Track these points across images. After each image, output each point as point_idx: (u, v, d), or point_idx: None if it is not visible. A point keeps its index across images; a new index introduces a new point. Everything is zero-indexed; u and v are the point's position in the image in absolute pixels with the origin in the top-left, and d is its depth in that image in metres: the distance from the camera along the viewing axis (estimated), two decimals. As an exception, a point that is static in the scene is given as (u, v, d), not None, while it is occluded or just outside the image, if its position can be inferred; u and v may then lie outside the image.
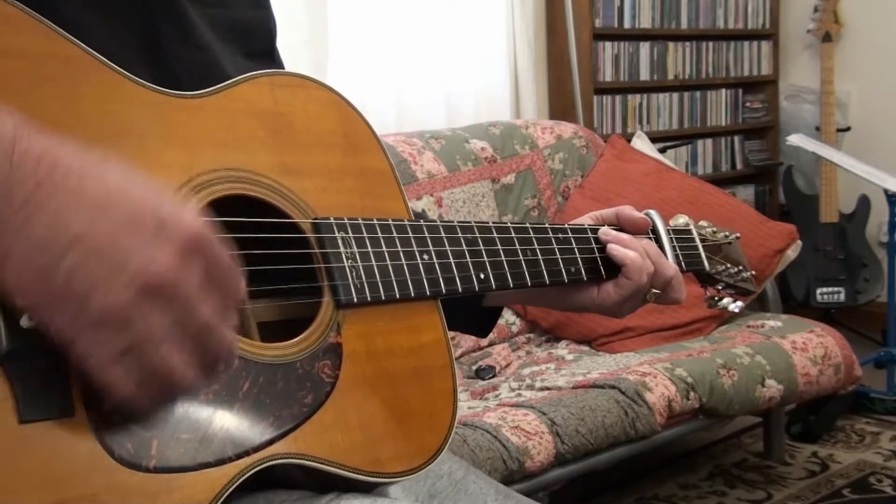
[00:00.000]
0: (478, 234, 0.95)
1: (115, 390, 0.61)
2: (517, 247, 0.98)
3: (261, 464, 0.72)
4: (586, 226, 1.06)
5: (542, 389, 2.22)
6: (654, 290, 1.04)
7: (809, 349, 2.49)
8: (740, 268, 1.22)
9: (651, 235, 1.10)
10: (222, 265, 0.64)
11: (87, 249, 0.58)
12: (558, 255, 1.01)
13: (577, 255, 1.03)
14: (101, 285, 0.58)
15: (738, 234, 1.25)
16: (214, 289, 0.63)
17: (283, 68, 1.04)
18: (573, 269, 1.02)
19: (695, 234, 1.18)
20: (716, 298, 1.21)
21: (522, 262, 0.98)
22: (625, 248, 1.02)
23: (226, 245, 0.64)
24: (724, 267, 1.20)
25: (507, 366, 2.55)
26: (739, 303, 1.21)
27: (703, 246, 1.18)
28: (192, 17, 0.87)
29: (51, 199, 0.58)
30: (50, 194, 0.58)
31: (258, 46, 0.95)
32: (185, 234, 0.61)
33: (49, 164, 0.58)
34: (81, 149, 0.61)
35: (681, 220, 1.19)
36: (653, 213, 1.11)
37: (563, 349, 2.63)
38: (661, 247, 1.09)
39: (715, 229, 1.22)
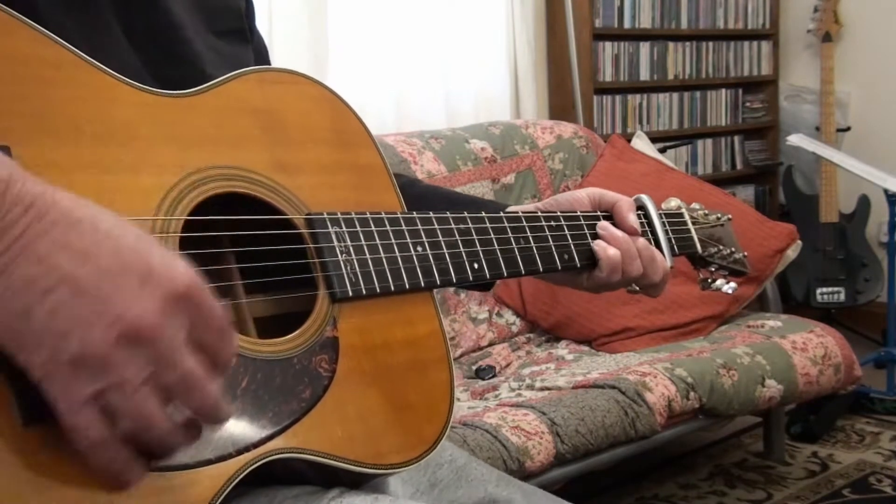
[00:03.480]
0: (471, 225, 0.96)
1: (80, 435, 0.59)
2: (510, 235, 0.99)
3: (261, 459, 0.72)
4: (579, 213, 1.07)
5: (542, 389, 2.21)
6: (635, 287, 1.07)
7: (809, 349, 2.49)
8: (733, 249, 1.23)
9: (644, 221, 1.10)
10: (212, 321, 0.62)
11: (71, 290, 0.57)
12: (551, 243, 1.02)
13: (570, 241, 1.04)
14: (81, 326, 0.57)
15: (730, 216, 1.26)
16: (201, 344, 0.62)
17: (263, 45, 1.05)
18: (566, 256, 1.03)
19: (686, 217, 1.19)
20: (709, 280, 1.22)
21: (516, 251, 0.99)
22: (606, 245, 1.04)
23: (218, 303, 0.63)
24: (716, 249, 1.21)
25: (507, 366, 2.55)
26: (733, 284, 1.21)
27: (696, 228, 1.19)
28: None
29: (38, 242, 0.57)
30: (37, 238, 0.57)
31: (226, 25, 0.96)
32: (172, 286, 0.60)
33: (39, 211, 0.58)
34: (76, 198, 0.60)
35: (672, 203, 1.20)
36: (644, 197, 1.12)
37: (563, 349, 2.62)
38: (654, 230, 1.11)
39: (707, 212, 1.23)
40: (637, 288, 1.08)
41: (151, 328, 0.58)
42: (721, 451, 2.98)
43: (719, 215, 1.24)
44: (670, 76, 4.04)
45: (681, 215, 1.18)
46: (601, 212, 1.09)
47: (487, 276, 0.95)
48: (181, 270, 0.61)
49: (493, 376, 2.45)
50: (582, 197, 1.09)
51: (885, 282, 3.44)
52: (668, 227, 1.13)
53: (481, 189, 2.76)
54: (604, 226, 1.06)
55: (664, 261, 1.08)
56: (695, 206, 1.23)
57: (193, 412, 0.62)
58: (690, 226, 1.18)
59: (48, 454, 0.62)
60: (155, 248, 0.61)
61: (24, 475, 0.61)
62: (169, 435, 0.61)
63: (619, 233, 1.05)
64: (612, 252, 1.03)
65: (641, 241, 1.07)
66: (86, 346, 0.57)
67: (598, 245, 1.04)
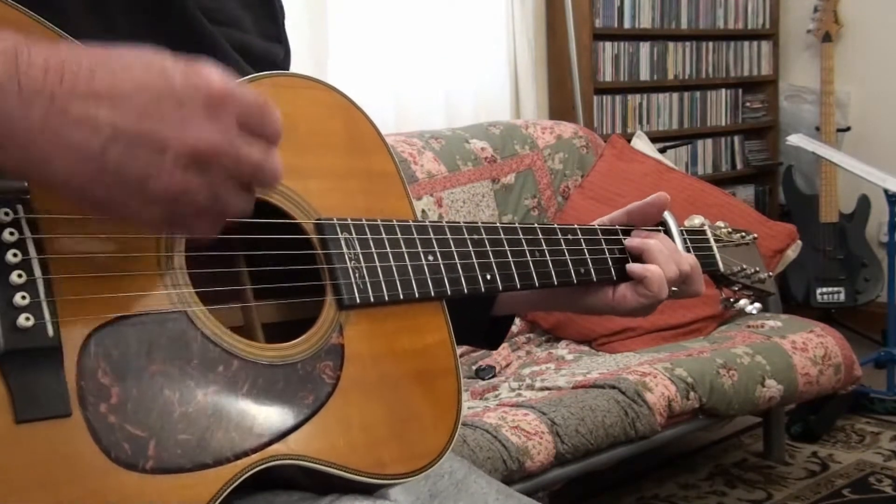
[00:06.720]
0: (484, 235, 0.94)
1: (202, 236, 0.67)
2: (525, 247, 0.97)
3: (259, 465, 0.71)
4: (596, 226, 1.05)
5: (542, 389, 2.21)
6: (673, 288, 1.04)
7: (809, 349, 2.49)
8: (757, 269, 1.20)
9: (662, 231, 1.09)
10: (252, 106, 0.65)
11: (124, 142, 0.60)
12: (567, 256, 1.00)
13: (587, 255, 1.02)
14: (152, 170, 0.61)
15: (756, 235, 1.24)
16: (250, 129, 0.65)
17: None
18: (583, 271, 1.01)
19: (709, 235, 1.16)
20: (731, 300, 1.19)
21: (530, 263, 0.97)
22: (644, 263, 1.02)
23: (246, 85, 0.66)
24: (739, 268, 1.18)
25: (507, 366, 2.55)
26: (757, 304, 1.19)
27: (719, 247, 1.16)
28: (209, 32, 0.87)
29: (71, 103, 0.59)
30: (68, 99, 0.59)
31: (261, 72, 0.95)
32: (207, 92, 0.62)
33: (56, 71, 0.59)
34: (75, 49, 0.62)
35: (696, 220, 1.17)
36: (666, 213, 1.10)
37: (563, 349, 2.63)
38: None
39: (731, 230, 1.21)
40: (675, 289, 1.04)
41: (211, 146, 0.62)
42: (721, 451, 2.98)
43: (744, 234, 1.22)
44: (670, 76, 4.03)
45: (703, 233, 1.16)
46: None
47: (500, 286, 0.93)
48: (205, 74, 0.63)
49: (493, 376, 2.46)
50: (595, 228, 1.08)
51: (885, 282, 3.44)
52: (689, 245, 1.11)
53: (481, 189, 2.76)
54: (628, 241, 1.05)
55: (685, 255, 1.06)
56: (719, 224, 1.21)
57: (266, 185, 0.68)
58: (713, 244, 1.16)
59: (41, 452, 0.62)
60: (168, 62, 0.63)
61: (16, 472, 0.61)
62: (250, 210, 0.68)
63: (650, 243, 1.03)
64: (653, 267, 1.01)
65: (659, 235, 1.05)
66: (167, 185, 0.61)
67: (634, 268, 1.02)
